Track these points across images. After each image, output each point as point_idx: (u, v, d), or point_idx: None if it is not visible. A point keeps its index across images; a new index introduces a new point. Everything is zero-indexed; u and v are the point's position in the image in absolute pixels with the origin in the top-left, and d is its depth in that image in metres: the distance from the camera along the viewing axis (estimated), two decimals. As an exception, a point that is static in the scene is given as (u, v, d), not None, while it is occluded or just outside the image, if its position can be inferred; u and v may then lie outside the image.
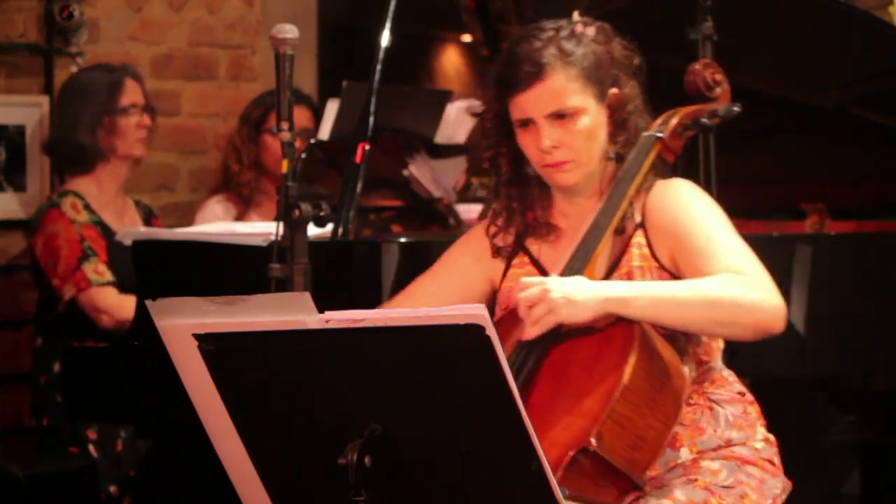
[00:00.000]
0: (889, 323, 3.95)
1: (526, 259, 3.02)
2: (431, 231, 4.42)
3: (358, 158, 3.76)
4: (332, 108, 4.47)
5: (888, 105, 4.32)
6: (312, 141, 4.41)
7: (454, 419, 2.35)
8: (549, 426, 2.67)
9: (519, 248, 3.03)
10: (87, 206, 4.65)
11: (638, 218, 2.93)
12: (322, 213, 3.10)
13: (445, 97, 4.65)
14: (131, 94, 4.74)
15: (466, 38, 8.40)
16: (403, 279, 3.32)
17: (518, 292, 2.77)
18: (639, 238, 2.92)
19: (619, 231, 2.92)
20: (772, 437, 2.95)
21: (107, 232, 4.61)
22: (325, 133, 4.48)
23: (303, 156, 4.10)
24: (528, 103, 2.91)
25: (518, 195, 3.02)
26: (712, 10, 3.78)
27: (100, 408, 3.94)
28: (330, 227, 3.62)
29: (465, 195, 5.20)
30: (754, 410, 2.95)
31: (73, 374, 3.97)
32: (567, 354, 2.78)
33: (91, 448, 4.55)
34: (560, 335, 2.79)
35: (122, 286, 4.45)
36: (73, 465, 4.53)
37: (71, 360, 4.02)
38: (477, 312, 2.24)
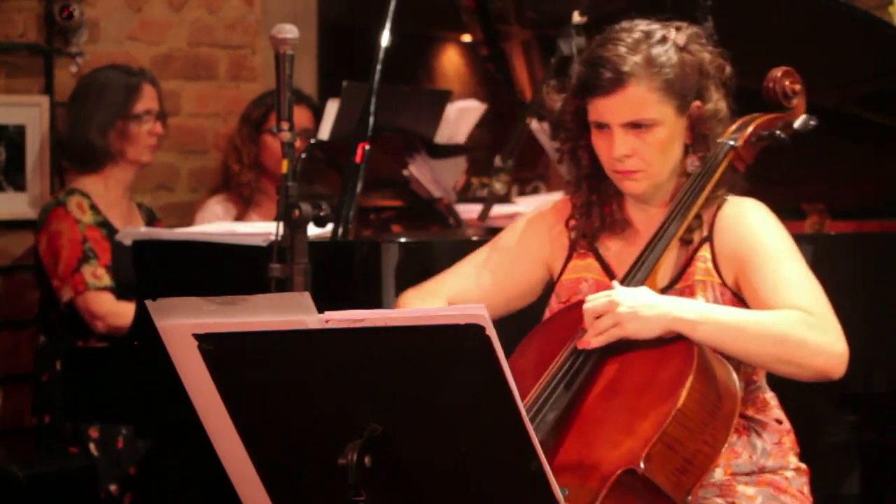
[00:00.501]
0: (889, 323, 3.95)
1: (590, 253, 2.98)
2: (431, 231, 4.42)
3: (358, 158, 3.76)
4: (332, 108, 4.47)
5: (888, 105, 4.31)
6: (312, 141, 4.42)
7: (454, 419, 2.35)
8: (597, 440, 2.64)
9: (586, 241, 2.99)
10: (94, 206, 4.66)
11: (706, 232, 2.89)
12: (322, 213, 3.10)
13: (445, 97, 4.65)
14: (147, 100, 4.75)
15: (466, 38, 8.41)
16: (403, 279, 3.32)
17: (586, 302, 2.76)
18: (704, 252, 2.87)
19: (686, 241, 2.88)
20: (803, 467, 2.93)
21: (112, 233, 4.61)
22: (325, 133, 4.48)
23: (303, 156, 4.10)
24: (606, 109, 2.85)
25: (598, 188, 2.97)
26: (712, 10, 3.77)
27: (100, 408, 3.94)
28: (330, 227, 3.62)
29: (465, 195, 5.20)
30: (789, 440, 2.93)
31: (73, 373, 3.97)
32: (623, 367, 2.74)
33: (92, 447, 4.55)
34: (617, 347, 2.75)
35: (125, 287, 4.45)
36: (74, 465, 4.53)
37: (71, 360, 4.02)
38: (477, 312, 2.24)
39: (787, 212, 4.46)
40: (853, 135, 4.40)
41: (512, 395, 2.28)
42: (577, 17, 3.96)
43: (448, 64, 9.60)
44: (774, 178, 4.39)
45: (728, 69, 2.95)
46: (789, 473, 2.89)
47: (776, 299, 2.76)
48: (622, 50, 2.84)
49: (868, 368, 4.17)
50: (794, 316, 2.72)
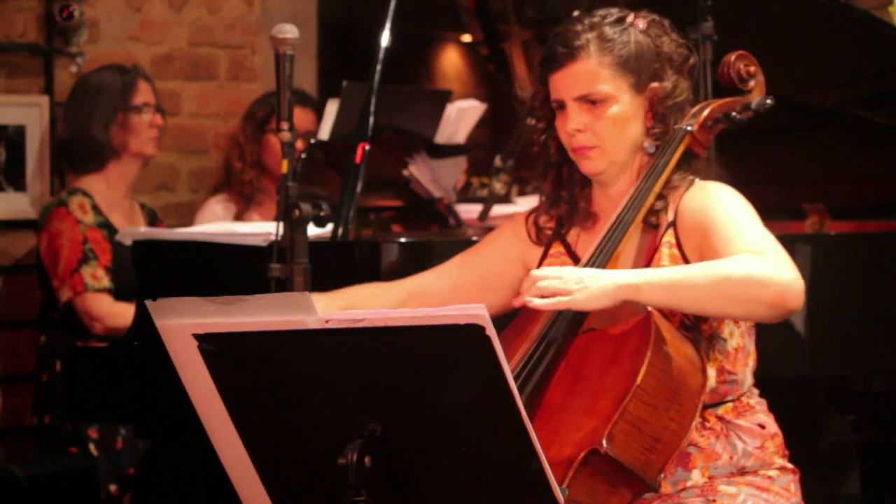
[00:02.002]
0: (889, 323, 3.94)
1: (562, 249, 3.01)
2: (431, 231, 4.42)
3: (358, 158, 3.76)
4: (332, 108, 4.48)
5: (888, 105, 4.31)
6: (312, 141, 4.42)
7: (454, 419, 2.35)
8: (562, 425, 2.65)
9: (557, 237, 3.02)
10: (95, 207, 4.66)
11: (671, 216, 2.91)
12: (322, 213, 3.10)
13: (445, 97, 4.65)
14: (144, 93, 4.77)
15: (466, 38, 8.42)
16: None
17: (535, 281, 2.75)
18: (669, 237, 2.89)
19: (652, 225, 2.90)
20: (790, 466, 2.92)
21: (113, 234, 4.61)
22: (325, 133, 4.48)
23: (303, 156, 4.10)
24: (560, 84, 2.91)
25: (566, 179, 3.02)
26: (712, 10, 3.78)
27: (100, 408, 3.94)
28: (330, 227, 3.62)
29: (465, 195, 5.21)
30: (773, 444, 2.91)
31: (72, 373, 3.97)
32: (584, 353, 2.76)
33: (91, 447, 4.55)
34: (578, 333, 2.77)
35: (126, 287, 4.45)
36: (74, 465, 4.53)
37: (71, 360, 4.02)
38: (477, 312, 2.24)
39: (787, 212, 4.47)
40: (853, 135, 4.40)
41: (512, 395, 2.28)
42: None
43: (448, 64, 9.61)
44: (774, 178, 4.39)
45: (692, 59, 2.99)
46: (773, 472, 2.88)
47: (730, 249, 2.75)
48: (578, 27, 2.93)
49: (868, 368, 4.17)
50: (739, 256, 2.72)
